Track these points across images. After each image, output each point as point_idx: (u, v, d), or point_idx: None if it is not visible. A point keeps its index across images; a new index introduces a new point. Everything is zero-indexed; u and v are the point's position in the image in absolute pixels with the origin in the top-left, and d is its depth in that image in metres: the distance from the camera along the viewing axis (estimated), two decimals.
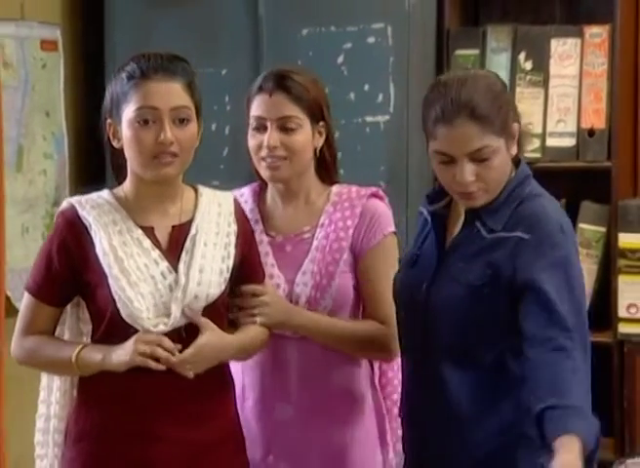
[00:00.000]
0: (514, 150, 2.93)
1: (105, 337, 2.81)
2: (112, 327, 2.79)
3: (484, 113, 2.88)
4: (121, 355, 2.74)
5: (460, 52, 4.41)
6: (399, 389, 3.11)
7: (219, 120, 4.33)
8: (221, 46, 4.37)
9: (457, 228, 3.01)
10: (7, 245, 4.05)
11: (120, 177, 2.91)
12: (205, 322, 2.78)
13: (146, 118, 2.78)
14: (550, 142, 4.32)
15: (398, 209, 4.18)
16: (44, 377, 2.94)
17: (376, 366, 3.17)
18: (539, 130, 4.32)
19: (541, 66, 4.34)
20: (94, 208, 2.82)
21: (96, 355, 2.76)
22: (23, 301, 2.93)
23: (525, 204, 2.99)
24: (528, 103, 4.29)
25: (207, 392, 2.80)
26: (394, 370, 3.17)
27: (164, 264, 2.82)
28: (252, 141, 3.18)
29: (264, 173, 3.17)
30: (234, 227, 2.95)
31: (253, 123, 3.16)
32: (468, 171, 2.85)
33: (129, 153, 2.82)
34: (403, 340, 3.06)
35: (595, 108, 4.28)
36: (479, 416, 2.88)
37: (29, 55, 4.20)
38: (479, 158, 2.86)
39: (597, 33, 4.26)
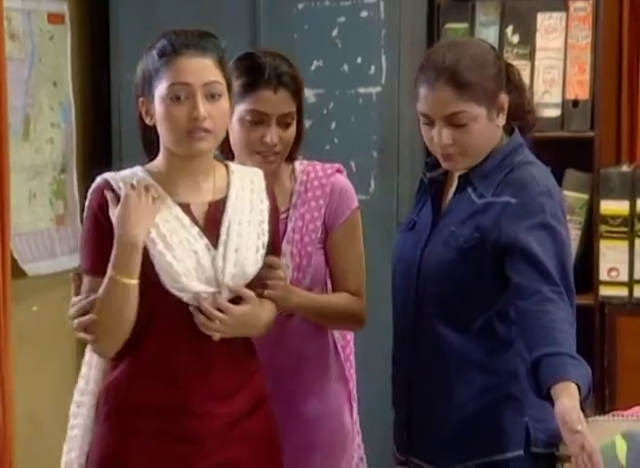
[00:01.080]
0: (500, 120, 2.89)
1: (150, 311, 2.67)
2: (155, 301, 2.67)
3: (464, 79, 2.86)
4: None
5: (449, 25, 4.39)
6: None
7: None
8: (221, 20, 4.24)
9: (451, 194, 3.01)
10: (15, 210, 3.98)
11: (151, 154, 2.79)
12: (249, 294, 2.72)
13: (179, 94, 2.65)
14: (538, 113, 4.19)
15: (390, 176, 4.27)
16: (87, 353, 2.80)
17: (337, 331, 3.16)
18: None
19: (528, 40, 4.33)
20: (126, 183, 2.69)
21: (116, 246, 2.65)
22: (83, 287, 2.71)
23: (515, 171, 2.99)
24: None
25: (237, 364, 2.72)
26: (351, 333, 3.18)
27: (203, 241, 2.70)
28: (248, 134, 3.03)
29: (256, 165, 3.01)
30: (267, 203, 2.85)
31: (249, 116, 3.00)
32: (444, 134, 2.86)
33: (162, 130, 2.70)
34: (396, 302, 3.04)
35: (579, 80, 4.28)
36: (467, 375, 2.87)
37: (36, 27, 4.12)
38: (456, 123, 2.86)
39: (581, 7, 4.26)
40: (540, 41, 4.31)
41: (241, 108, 2.98)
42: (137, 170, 2.74)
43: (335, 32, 4.27)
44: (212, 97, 2.67)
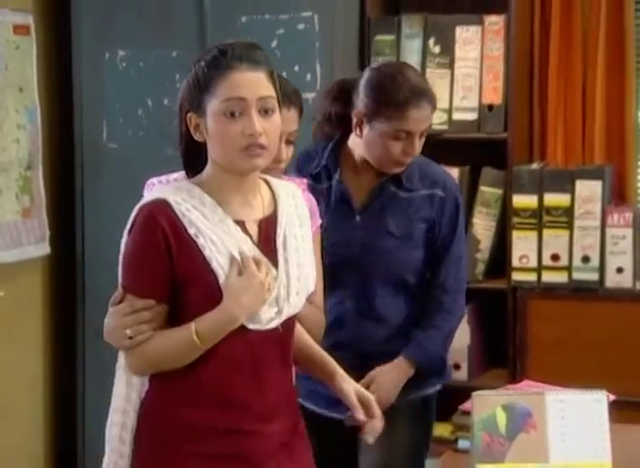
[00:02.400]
0: None
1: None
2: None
3: (433, 100, 3.21)
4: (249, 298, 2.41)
5: (378, 37, 4.39)
6: None
7: (170, 95, 4.02)
8: (172, 31, 4.30)
9: (362, 195, 3.22)
10: None
11: (194, 170, 2.51)
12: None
13: (234, 110, 2.38)
14: (455, 116, 4.34)
15: None
16: (124, 372, 2.49)
17: None
18: (446, 105, 4.30)
19: (448, 50, 4.33)
20: (185, 200, 2.42)
21: (214, 314, 2.39)
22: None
23: (424, 167, 3.26)
24: (436, 82, 4.19)
25: (284, 384, 2.53)
26: None
27: (264, 260, 2.45)
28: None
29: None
30: (308, 216, 2.62)
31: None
32: (418, 144, 3.13)
33: (215, 146, 2.43)
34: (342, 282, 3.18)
35: (493, 86, 4.28)
36: (404, 324, 3.22)
37: (3, 38, 4.14)
38: (423, 135, 3.16)
39: (495, 22, 4.26)
40: (458, 52, 4.32)
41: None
42: (186, 185, 2.46)
43: (274, 43, 4.23)
44: (265, 112, 2.41)
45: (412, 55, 4.33)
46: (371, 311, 3.25)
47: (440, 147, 4.11)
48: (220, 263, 2.38)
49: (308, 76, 4.20)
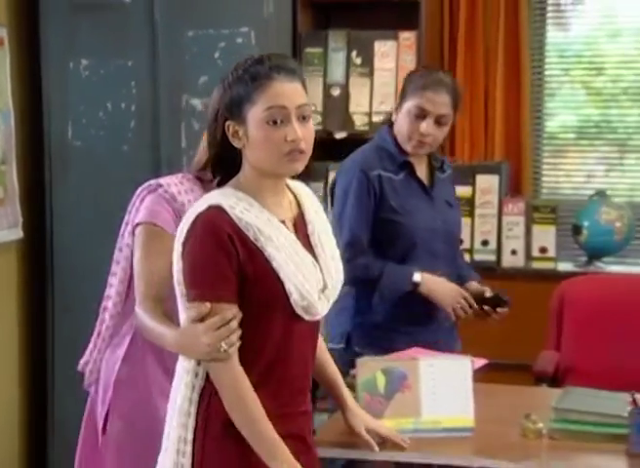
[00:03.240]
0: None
1: (269, 328, 2.30)
2: (276, 317, 2.30)
3: (454, 95, 3.22)
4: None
5: (308, 50, 4.44)
6: None
7: (127, 100, 4.31)
8: (128, 43, 4.30)
9: (423, 176, 3.30)
10: None
11: (221, 172, 2.40)
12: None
13: (276, 118, 2.28)
14: (375, 119, 4.40)
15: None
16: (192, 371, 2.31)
17: None
18: (366, 110, 4.39)
19: (368, 62, 4.37)
20: (236, 204, 2.30)
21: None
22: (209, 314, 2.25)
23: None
24: (358, 90, 4.38)
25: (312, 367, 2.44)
26: None
27: (310, 257, 2.36)
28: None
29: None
30: (324, 213, 2.53)
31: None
32: (431, 126, 3.17)
33: (258, 152, 2.31)
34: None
35: None
36: None
37: None
38: (441, 122, 3.20)
39: (407, 37, 4.32)
40: (377, 63, 4.36)
41: None
42: (229, 191, 2.32)
43: (217, 54, 4.22)
44: (303, 118, 2.32)
45: (337, 66, 4.41)
46: (455, 270, 3.34)
47: (361, 145, 4.30)
48: (279, 263, 2.28)
49: None
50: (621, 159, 4.65)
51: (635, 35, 4.59)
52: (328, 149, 4.46)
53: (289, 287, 2.28)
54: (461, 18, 4.46)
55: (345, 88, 4.42)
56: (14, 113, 4.36)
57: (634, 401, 2.60)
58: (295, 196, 2.45)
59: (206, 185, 2.65)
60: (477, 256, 4.26)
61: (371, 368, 2.67)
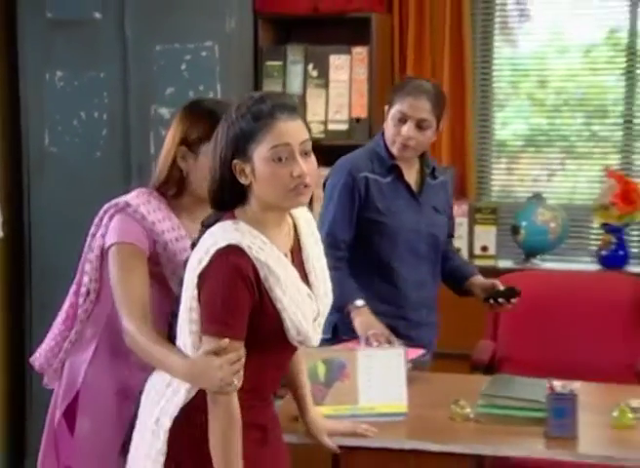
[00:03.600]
0: (435, 135, 3.27)
1: (262, 356, 2.33)
2: (273, 347, 2.35)
3: (435, 102, 3.21)
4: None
5: (268, 63, 4.46)
6: None
7: (99, 109, 4.35)
8: (100, 56, 4.33)
9: (412, 180, 3.29)
10: None
11: (222, 205, 2.37)
12: None
13: (281, 155, 2.26)
14: (330, 127, 4.44)
15: None
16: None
17: None
18: (322, 118, 4.43)
19: (324, 74, 4.41)
20: (253, 243, 2.29)
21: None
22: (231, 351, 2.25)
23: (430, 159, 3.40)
24: (315, 100, 4.42)
25: None
26: None
27: (306, 288, 2.38)
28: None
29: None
30: (319, 237, 2.52)
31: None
32: (412, 129, 3.17)
33: (265, 187, 2.29)
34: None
35: (360, 103, 4.38)
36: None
37: None
38: (422, 126, 3.18)
39: (360, 52, 4.36)
40: (332, 75, 4.39)
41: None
42: (242, 227, 2.30)
43: (183, 66, 4.25)
44: (305, 154, 2.31)
45: (295, 78, 4.44)
46: (437, 270, 3.37)
47: (318, 152, 4.05)
48: (283, 305, 2.30)
49: (211, 93, 4.22)
50: (563, 165, 4.72)
51: (578, 51, 4.66)
52: None
53: (288, 325, 2.30)
54: (410, 34, 4.49)
55: (303, 98, 4.44)
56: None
57: (551, 387, 2.67)
58: (293, 219, 2.43)
59: (170, 201, 2.64)
60: None
61: (312, 357, 2.68)
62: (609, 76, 4.60)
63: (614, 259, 4.23)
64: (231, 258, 2.26)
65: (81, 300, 2.68)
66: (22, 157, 4.50)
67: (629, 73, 4.50)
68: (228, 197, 2.35)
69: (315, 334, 2.38)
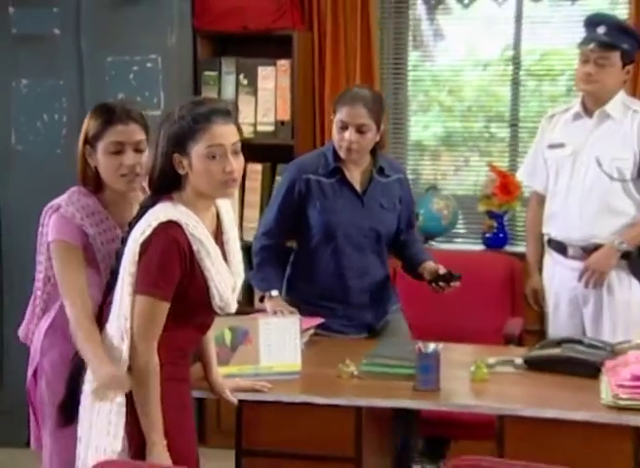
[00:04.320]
0: (377, 137, 3.29)
1: (187, 319, 2.49)
2: (195, 310, 2.50)
3: (371, 107, 3.23)
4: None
5: (205, 73, 4.48)
6: None
7: (59, 112, 4.40)
8: (59, 66, 4.39)
9: (356, 181, 3.32)
10: None
11: (160, 190, 2.49)
12: None
13: (215, 154, 2.40)
14: (259, 128, 4.47)
15: None
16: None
17: None
18: (252, 121, 4.45)
19: (253, 83, 4.45)
20: (189, 221, 2.44)
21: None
22: (153, 310, 2.40)
23: (387, 160, 3.46)
24: (245, 105, 4.44)
25: None
26: None
27: (225, 265, 2.53)
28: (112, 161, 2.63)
29: (123, 187, 2.67)
30: (234, 220, 2.68)
31: (112, 147, 2.63)
32: (353, 134, 3.21)
33: (200, 180, 2.43)
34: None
35: (284, 108, 4.44)
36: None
37: None
38: (362, 130, 3.22)
39: (284, 64, 4.42)
40: (260, 84, 4.44)
41: (104, 142, 2.63)
42: (180, 209, 2.43)
43: (131, 76, 4.33)
44: (236, 153, 2.46)
45: (228, 86, 4.47)
46: (383, 259, 3.42)
47: (249, 150, 4.12)
48: (211, 274, 2.44)
49: (155, 99, 4.31)
50: (467, 162, 4.82)
51: (479, 66, 4.77)
52: None
53: (214, 292, 2.46)
54: (327, 48, 4.52)
55: (235, 104, 4.35)
56: None
57: (419, 348, 2.79)
58: (216, 207, 2.56)
59: (97, 195, 2.70)
60: None
61: (220, 325, 2.76)
62: (502, 87, 4.70)
63: (496, 241, 4.37)
64: (170, 232, 2.39)
65: (41, 285, 2.78)
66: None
67: (514, 84, 4.63)
68: (166, 183, 2.47)
69: (233, 303, 2.54)
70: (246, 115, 4.50)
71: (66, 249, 2.66)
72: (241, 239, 4.40)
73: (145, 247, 2.40)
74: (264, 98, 4.48)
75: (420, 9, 4.79)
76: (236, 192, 4.05)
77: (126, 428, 2.42)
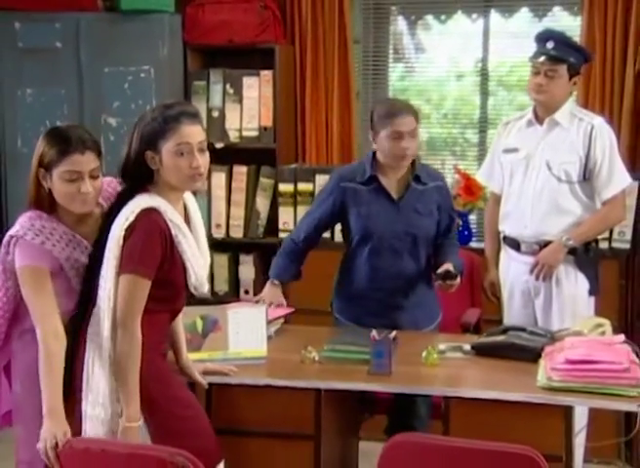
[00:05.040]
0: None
1: (166, 303, 2.55)
2: (177, 293, 2.56)
3: (413, 112, 3.23)
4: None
5: (195, 83, 4.51)
6: None
7: (60, 119, 4.35)
8: (61, 76, 4.41)
9: (393, 188, 3.27)
10: None
11: (131, 182, 2.55)
12: None
13: (183, 151, 2.47)
14: (244, 133, 4.48)
15: None
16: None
17: None
18: (238, 126, 4.46)
19: (239, 92, 4.47)
20: (167, 209, 2.51)
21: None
22: (137, 287, 2.42)
23: (425, 168, 3.42)
24: (232, 112, 4.46)
25: None
26: None
27: (196, 247, 2.58)
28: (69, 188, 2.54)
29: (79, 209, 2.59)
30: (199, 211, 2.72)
31: (67, 175, 2.54)
32: (409, 141, 3.17)
33: (170, 174, 2.50)
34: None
35: (267, 115, 4.45)
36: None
37: None
38: (413, 134, 3.20)
39: (266, 75, 4.43)
40: (245, 93, 4.46)
41: (60, 170, 2.53)
42: (157, 198, 2.48)
43: (126, 85, 4.36)
44: (202, 150, 2.52)
45: (216, 94, 4.48)
46: (421, 262, 3.34)
47: (235, 153, 4.46)
48: (187, 256, 2.50)
49: (147, 107, 4.04)
50: (443, 165, 4.78)
51: (454, 76, 4.80)
52: (210, 156, 4.55)
53: (190, 271, 2.52)
54: (307, 60, 4.55)
55: (222, 111, 4.48)
56: None
57: (373, 336, 2.82)
58: (183, 200, 2.62)
59: (50, 216, 2.60)
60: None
61: (192, 314, 2.79)
62: (476, 96, 4.71)
63: (461, 238, 4.30)
64: (153, 216, 2.45)
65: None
66: (0, 156, 4.57)
67: (483, 93, 4.67)
68: (139, 177, 2.53)
69: (205, 283, 2.60)
70: (232, 122, 4.53)
71: (36, 273, 2.53)
72: (227, 236, 4.54)
73: (130, 231, 2.44)
74: (249, 106, 4.50)
75: (400, 24, 4.80)
76: (223, 192, 4.12)
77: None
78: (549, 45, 3.49)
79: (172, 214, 2.50)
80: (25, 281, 2.55)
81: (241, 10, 4.47)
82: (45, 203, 2.62)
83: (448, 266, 3.19)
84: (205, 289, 2.60)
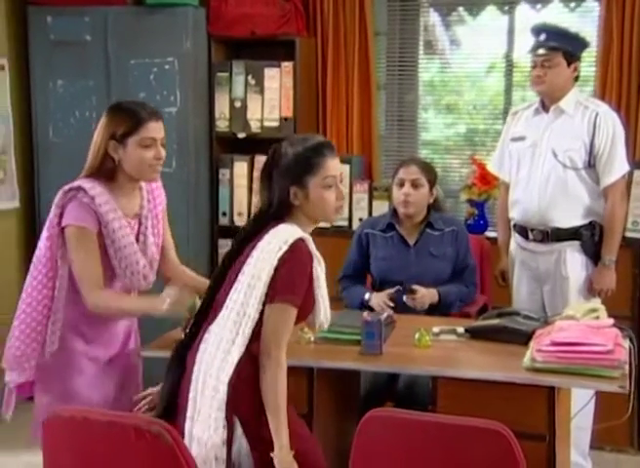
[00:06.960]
0: (431, 199, 3.48)
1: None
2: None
3: (423, 166, 3.46)
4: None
5: (218, 74, 4.56)
6: None
7: (89, 109, 4.43)
8: (90, 68, 4.48)
9: (409, 235, 3.47)
10: None
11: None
12: None
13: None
14: (265, 124, 4.53)
15: (184, 165, 4.43)
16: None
17: None
18: (259, 117, 4.51)
19: (260, 83, 4.52)
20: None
21: None
22: (289, 317, 2.38)
23: (438, 216, 3.54)
24: (253, 103, 4.52)
25: None
26: None
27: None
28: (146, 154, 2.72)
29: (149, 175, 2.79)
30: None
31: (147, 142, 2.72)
32: (409, 188, 3.40)
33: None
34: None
35: (287, 106, 4.49)
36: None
37: None
38: (416, 184, 3.41)
39: (287, 66, 4.47)
40: (266, 84, 4.50)
41: (137, 137, 2.70)
42: (292, 227, 2.44)
43: (152, 77, 4.41)
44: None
45: (238, 85, 4.54)
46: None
47: (256, 143, 4.49)
48: (321, 291, 2.46)
49: (172, 97, 4.41)
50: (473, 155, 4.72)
51: (484, 71, 4.71)
52: (232, 145, 4.68)
53: (320, 306, 2.48)
54: (328, 52, 4.59)
55: (244, 101, 4.54)
56: (12, 117, 4.58)
57: (364, 317, 2.87)
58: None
59: (106, 185, 2.74)
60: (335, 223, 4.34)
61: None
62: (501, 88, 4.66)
63: (477, 227, 4.37)
64: (305, 247, 2.40)
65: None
66: (33, 146, 4.66)
67: (507, 85, 4.63)
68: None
69: (329, 320, 2.57)
70: (254, 112, 4.59)
71: (84, 235, 2.67)
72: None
73: (283, 261, 2.37)
74: (270, 97, 4.53)
75: (432, 16, 4.76)
76: (245, 181, 4.11)
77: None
78: (542, 37, 3.52)
79: (312, 246, 2.44)
80: (70, 241, 2.68)
81: (263, 2, 4.53)
82: (107, 174, 2.75)
83: (418, 287, 3.33)
84: (326, 326, 2.56)
